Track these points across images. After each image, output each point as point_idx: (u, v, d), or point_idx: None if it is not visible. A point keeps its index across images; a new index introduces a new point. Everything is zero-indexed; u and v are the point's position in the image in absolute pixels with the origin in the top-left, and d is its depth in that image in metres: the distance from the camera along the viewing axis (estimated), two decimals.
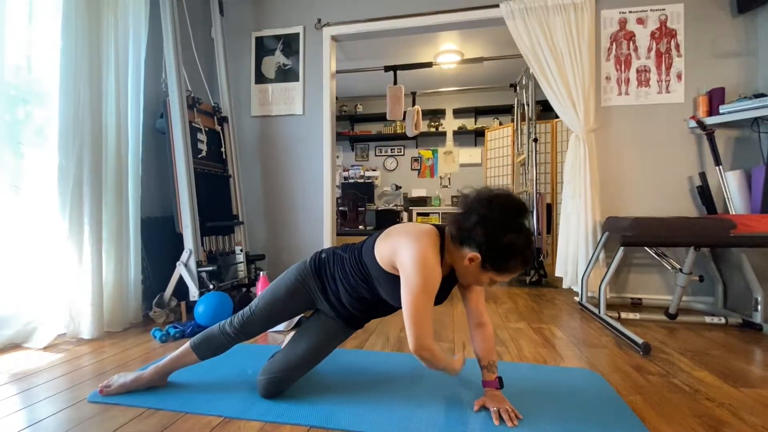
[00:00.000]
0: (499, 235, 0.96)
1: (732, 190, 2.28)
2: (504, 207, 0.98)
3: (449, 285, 1.16)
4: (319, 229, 2.98)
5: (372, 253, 1.10)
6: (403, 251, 1.02)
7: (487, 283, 1.06)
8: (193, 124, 2.39)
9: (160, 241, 2.32)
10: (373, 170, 5.82)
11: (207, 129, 2.53)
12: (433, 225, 1.11)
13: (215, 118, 2.67)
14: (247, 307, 1.21)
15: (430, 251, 1.01)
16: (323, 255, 1.23)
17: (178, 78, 2.20)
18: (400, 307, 1.10)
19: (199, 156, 2.42)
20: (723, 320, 1.98)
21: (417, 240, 1.02)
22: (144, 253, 2.20)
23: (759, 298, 1.91)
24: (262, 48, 3.07)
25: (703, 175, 2.34)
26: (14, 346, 1.64)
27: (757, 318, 1.90)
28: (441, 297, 1.14)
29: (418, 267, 0.99)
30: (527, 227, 0.99)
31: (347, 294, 1.16)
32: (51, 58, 1.80)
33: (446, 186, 5.75)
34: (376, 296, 1.15)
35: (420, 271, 0.98)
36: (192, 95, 2.40)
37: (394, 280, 1.07)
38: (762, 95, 2.17)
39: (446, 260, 1.07)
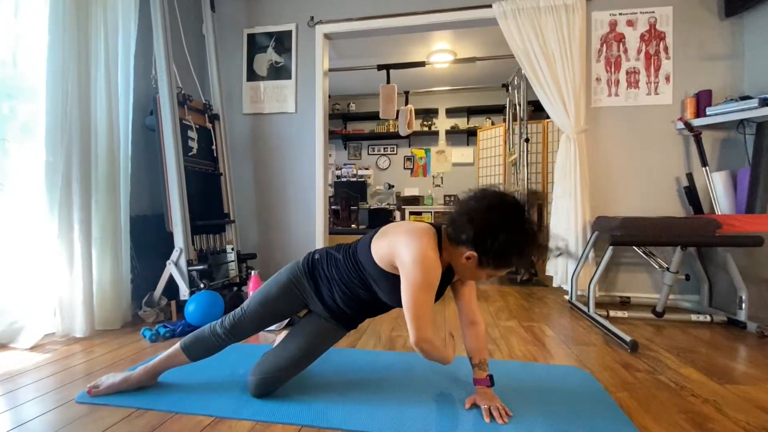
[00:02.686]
0: (494, 234, 0.96)
1: (718, 190, 2.33)
2: (498, 206, 0.99)
3: (446, 282, 1.17)
4: (312, 228, 2.97)
5: (368, 252, 1.10)
6: (402, 249, 1.02)
7: (486, 278, 1.07)
8: (184, 122, 2.36)
9: (149, 240, 2.30)
10: (366, 169, 5.81)
11: (198, 126, 2.51)
12: (429, 223, 1.12)
13: (206, 115, 2.64)
14: (239, 308, 1.20)
15: (430, 249, 1.01)
16: (316, 256, 1.22)
17: (169, 74, 2.17)
18: (398, 307, 1.10)
19: (190, 154, 2.40)
20: (708, 318, 2.02)
21: (417, 238, 1.02)
22: (133, 252, 2.18)
23: (743, 297, 1.95)
24: (254, 45, 3.05)
25: (690, 176, 2.38)
26: (0, 346, 1.61)
27: (742, 316, 1.95)
28: (440, 291, 1.14)
29: (420, 265, 0.99)
30: (527, 224, 0.99)
31: (342, 294, 1.15)
32: (37, 53, 1.76)
33: (439, 185, 5.77)
34: (372, 296, 1.14)
35: (421, 269, 0.99)
36: (182, 92, 2.38)
37: (392, 279, 1.07)
38: (748, 97, 2.21)
39: (444, 258, 1.07)
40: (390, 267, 1.06)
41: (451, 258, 1.08)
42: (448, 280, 1.17)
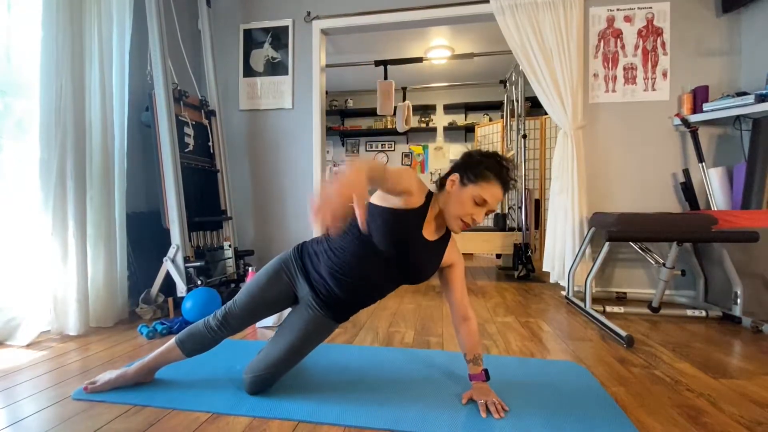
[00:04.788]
0: (471, 155, 1.14)
1: (714, 186, 2.34)
2: (467, 151, 1.17)
3: (438, 254, 1.17)
4: (309, 224, 2.96)
5: (368, 205, 1.12)
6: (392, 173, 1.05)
7: (472, 207, 1.08)
8: (180, 118, 2.35)
9: (146, 237, 2.29)
10: None
11: (194, 123, 2.49)
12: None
13: (202, 111, 2.63)
14: (231, 300, 1.20)
15: (417, 180, 1.11)
16: (307, 241, 1.24)
17: (164, 70, 2.16)
18: (389, 247, 1.08)
19: (186, 150, 2.39)
20: (704, 313, 2.04)
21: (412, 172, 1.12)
22: (130, 249, 2.17)
23: (738, 292, 1.96)
24: (251, 41, 3.03)
25: (686, 172, 2.39)
26: None
27: (737, 311, 1.96)
28: (430, 267, 1.16)
29: (405, 169, 1.08)
30: (498, 155, 1.14)
31: (330, 262, 1.12)
32: (31, 48, 1.75)
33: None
34: (361, 256, 1.10)
35: (402, 169, 1.06)
36: (178, 88, 2.36)
37: (386, 212, 1.08)
38: (744, 93, 2.21)
39: (432, 213, 1.13)
40: (386, 202, 1.09)
41: (440, 204, 1.13)
42: (440, 253, 1.18)
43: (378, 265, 1.11)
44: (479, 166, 1.09)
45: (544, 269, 2.69)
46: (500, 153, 1.18)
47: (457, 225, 1.10)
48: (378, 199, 1.12)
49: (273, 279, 1.18)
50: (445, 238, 1.19)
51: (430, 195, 1.15)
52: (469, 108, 5.54)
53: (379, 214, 1.08)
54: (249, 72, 3.04)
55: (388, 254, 1.10)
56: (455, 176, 1.12)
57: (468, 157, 1.14)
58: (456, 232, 1.14)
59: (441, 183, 1.16)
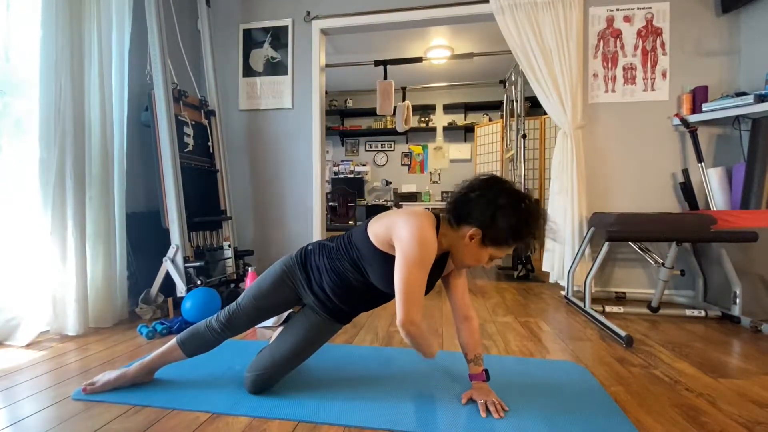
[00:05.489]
0: (500, 210, 0.98)
1: (713, 186, 2.34)
2: (503, 188, 1.02)
3: (439, 271, 1.17)
4: (309, 225, 2.96)
5: (365, 233, 1.11)
6: (400, 226, 1.03)
7: (486, 261, 1.06)
8: (179, 118, 2.35)
9: (146, 237, 2.29)
10: (363, 165, 5.80)
11: (194, 122, 2.49)
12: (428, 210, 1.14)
13: (202, 111, 2.62)
14: (234, 302, 1.20)
15: (429, 228, 1.02)
16: (310, 247, 1.23)
17: (164, 70, 2.15)
18: (388, 293, 1.10)
19: (186, 150, 2.38)
20: (703, 313, 2.04)
21: (416, 216, 1.04)
22: (129, 249, 2.17)
23: (737, 292, 1.97)
24: (250, 40, 3.03)
25: (686, 172, 2.39)
26: None
27: (736, 311, 1.96)
28: (430, 283, 1.14)
29: (417, 240, 0.99)
30: (531, 205, 1.01)
31: (332, 283, 1.14)
32: (30, 48, 1.74)
33: (436, 182, 5.77)
34: (362, 283, 1.13)
35: (418, 244, 0.99)
36: (178, 88, 2.36)
37: (386, 259, 1.06)
38: (743, 93, 2.21)
39: (441, 244, 1.08)
40: (386, 246, 1.06)
41: (450, 242, 1.08)
42: (441, 270, 1.18)
43: (375, 289, 1.15)
44: (508, 236, 1.00)
45: (543, 269, 2.69)
46: (537, 207, 1.02)
47: (461, 267, 1.13)
48: (378, 240, 1.07)
49: (277, 285, 1.19)
50: (446, 254, 1.15)
51: (437, 227, 1.08)
52: (468, 108, 5.55)
53: (377, 258, 1.08)
54: (249, 72, 3.03)
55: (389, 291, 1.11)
56: (477, 233, 1.01)
57: (502, 214, 0.98)
58: (458, 269, 1.16)
59: (457, 218, 1.05)
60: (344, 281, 1.14)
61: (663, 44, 2.50)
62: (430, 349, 1.13)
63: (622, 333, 1.64)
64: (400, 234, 1.01)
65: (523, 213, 0.99)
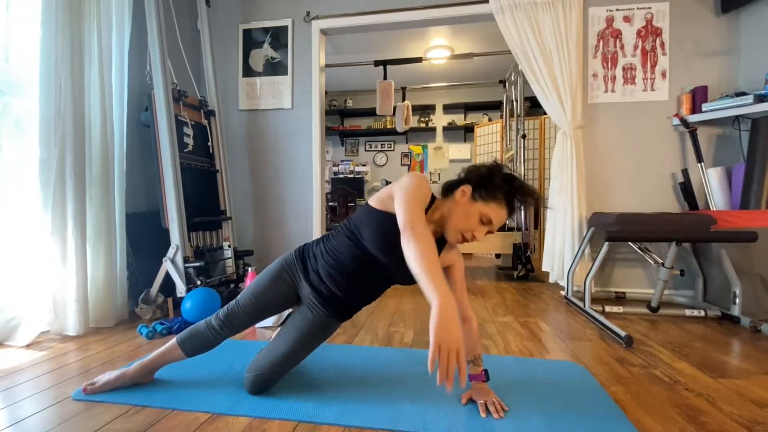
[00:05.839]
0: (491, 169, 1.09)
1: (713, 186, 2.34)
2: (490, 164, 1.12)
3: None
4: (309, 225, 2.96)
5: (366, 205, 1.14)
6: (399, 181, 1.08)
7: (477, 225, 1.06)
8: (179, 118, 2.35)
9: (145, 237, 2.29)
10: (363, 165, 5.81)
11: (193, 123, 2.49)
12: None
13: (202, 111, 2.62)
14: (233, 300, 1.20)
15: (423, 176, 1.09)
16: (309, 242, 1.26)
17: (164, 70, 2.15)
18: (381, 259, 1.10)
19: (186, 150, 2.38)
20: (703, 313, 2.04)
21: (414, 173, 1.11)
22: (129, 249, 2.17)
23: (737, 292, 1.97)
24: (250, 41, 3.03)
25: (685, 172, 2.39)
26: None
27: (735, 311, 1.96)
28: None
29: (412, 174, 1.07)
30: (524, 182, 1.10)
31: (327, 265, 1.14)
32: (30, 48, 1.74)
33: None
34: (357, 258, 1.12)
35: (414, 176, 1.06)
36: (178, 88, 2.36)
37: (385, 217, 1.07)
38: (743, 93, 2.22)
39: (431, 217, 1.12)
40: (387, 203, 1.08)
41: (443, 212, 1.11)
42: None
43: (371, 266, 1.13)
44: (497, 189, 1.05)
45: (543, 269, 2.69)
46: (521, 178, 1.11)
47: (455, 238, 1.09)
48: (377, 202, 1.11)
49: (275, 280, 1.19)
50: (441, 241, 1.16)
51: (433, 199, 1.14)
52: (468, 108, 5.55)
53: (374, 217, 1.09)
54: (248, 72, 3.04)
55: (382, 257, 1.10)
56: (467, 188, 1.08)
57: (489, 174, 1.08)
58: (452, 243, 1.13)
59: (448, 188, 1.14)
60: (339, 262, 1.14)
61: (663, 44, 2.50)
62: (432, 253, 0.99)
63: (622, 333, 1.64)
64: (399, 181, 1.07)
65: (515, 178, 1.09)
